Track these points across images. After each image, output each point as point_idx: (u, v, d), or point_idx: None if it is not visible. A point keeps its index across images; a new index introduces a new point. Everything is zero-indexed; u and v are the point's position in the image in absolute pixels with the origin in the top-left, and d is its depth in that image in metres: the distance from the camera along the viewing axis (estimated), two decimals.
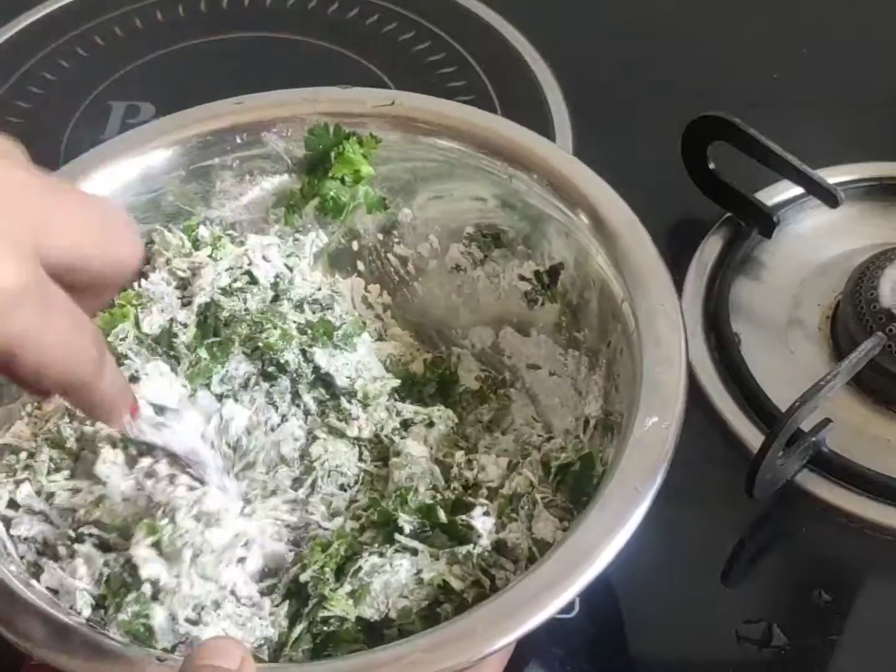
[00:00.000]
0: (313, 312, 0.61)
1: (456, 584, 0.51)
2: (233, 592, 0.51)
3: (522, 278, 0.62)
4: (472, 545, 0.52)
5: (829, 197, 0.70)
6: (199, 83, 0.86)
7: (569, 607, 0.57)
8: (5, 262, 0.37)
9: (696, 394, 0.65)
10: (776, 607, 0.60)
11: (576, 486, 0.54)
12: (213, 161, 0.62)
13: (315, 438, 0.58)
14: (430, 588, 0.51)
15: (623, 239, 0.56)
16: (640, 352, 0.52)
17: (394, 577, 0.50)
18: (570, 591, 0.45)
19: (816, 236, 0.75)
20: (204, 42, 0.90)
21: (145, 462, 0.53)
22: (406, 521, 0.53)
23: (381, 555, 0.51)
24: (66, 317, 0.40)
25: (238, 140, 0.62)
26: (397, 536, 0.52)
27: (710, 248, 0.73)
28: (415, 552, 0.52)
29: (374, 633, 0.50)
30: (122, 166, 0.61)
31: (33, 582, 0.50)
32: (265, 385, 0.59)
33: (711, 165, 0.73)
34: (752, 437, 0.64)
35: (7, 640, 0.46)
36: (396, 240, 0.65)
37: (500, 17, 0.91)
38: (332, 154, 0.62)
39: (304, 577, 0.51)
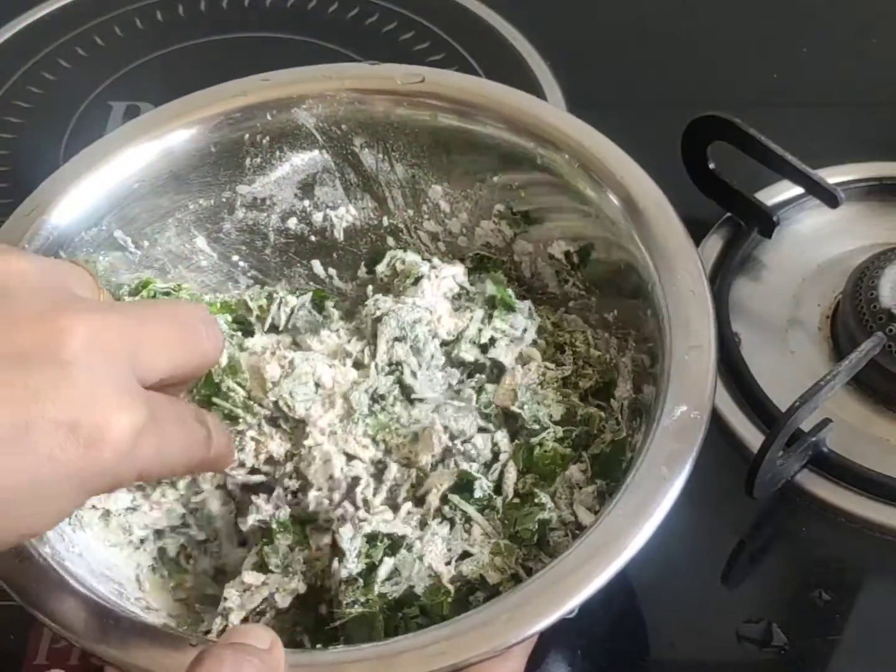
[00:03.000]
0: None
1: (493, 578, 0.50)
2: None
3: (552, 258, 0.61)
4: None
5: (829, 197, 0.70)
6: (200, 83, 0.86)
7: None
8: (121, 409, 0.38)
9: None
10: (776, 607, 0.60)
11: (605, 471, 0.54)
12: (242, 138, 0.62)
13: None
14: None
15: (652, 220, 0.55)
16: (669, 337, 0.51)
17: (423, 555, 0.51)
18: (595, 584, 0.44)
19: (816, 236, 0.75)
20: (204, 42, 0.90)
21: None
22: (480, 487, 0.53)
23: (420, 538, 0.51)
24: (175, 422, 0.42)
25: (268, 116, 0.62)
26: (452, 497, 0.52)
27: (710, 248, 0.73)
28: (465, 523, 0.52)
29: (392, 609, 0.50)
30: (143, 148, 0.60)
31: (68, 564, 0.49)
32: None
33: (711, 165, 0.73)
34: (752, 437, 0.64)
35: (42, 623, 0.46)
36: (426, 216, 0.64)
37: (500, 17, 0.91)
38: None
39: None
